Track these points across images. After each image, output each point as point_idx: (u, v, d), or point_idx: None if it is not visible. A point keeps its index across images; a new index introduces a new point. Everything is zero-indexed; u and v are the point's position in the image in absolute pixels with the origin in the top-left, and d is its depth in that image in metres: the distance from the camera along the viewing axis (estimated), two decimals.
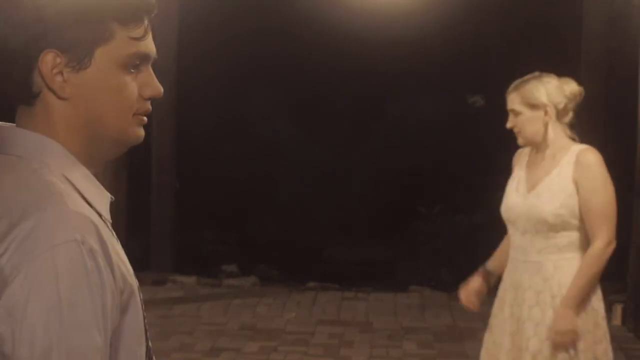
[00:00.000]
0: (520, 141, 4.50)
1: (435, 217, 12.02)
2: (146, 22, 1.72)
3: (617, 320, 8.17)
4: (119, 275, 1.64)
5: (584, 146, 4.41)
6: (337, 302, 8.91)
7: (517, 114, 4.43)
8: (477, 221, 10.92)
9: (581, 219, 4.33)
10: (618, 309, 8.21)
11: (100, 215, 1.70)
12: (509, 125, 4.48)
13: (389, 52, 11.84)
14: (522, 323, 4.41)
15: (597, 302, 4.40)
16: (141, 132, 1.75)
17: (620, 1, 9.02)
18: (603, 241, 4.30)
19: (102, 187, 1.74)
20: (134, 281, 1.70)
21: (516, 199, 4.47)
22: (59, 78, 1.67)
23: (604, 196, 4.33)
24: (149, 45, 1.73)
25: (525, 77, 4.45)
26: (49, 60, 1.65)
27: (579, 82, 4.57)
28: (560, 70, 4.60)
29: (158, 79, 1.78)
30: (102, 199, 1.73)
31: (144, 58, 1.72)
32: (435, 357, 7.25)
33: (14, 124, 1.73)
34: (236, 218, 12.04)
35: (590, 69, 8.73)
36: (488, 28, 12.14)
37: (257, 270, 10.32)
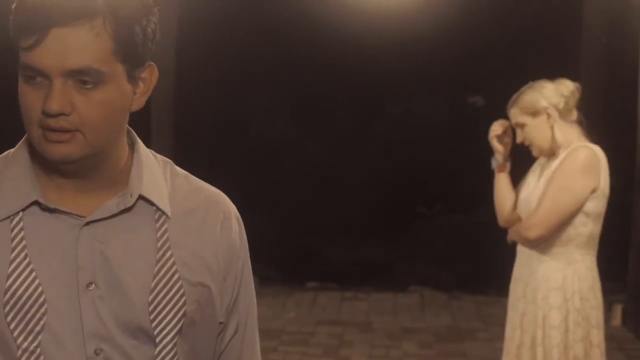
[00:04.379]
0: (534, 153, 4.49)
1: (435, 217, 12.01)
2: (38, 35, 1.63)
3: (617, 320, 8.17)
4: None
5: (582, 144, 4.37)
6: (336, 302, 8.91)
7: (522, 126, 4.43)
8: (477, 221, 10.91)
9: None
10: (618, 309, 8.21)
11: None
12: (518, 140, 4.49)
13: (389, 52, 11.84)
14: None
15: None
16: (48, 146, 1.68)
17: (620, 1, 9.01)
18: (530, 232, 4.31)
19: (27, 189, 1.74)
20: None
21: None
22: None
23: (557, 189, 4.29)
24: (38, 60, 1.65)
25: (521, 90, 4.46)
26: None
27: (579, 82, 4.57)
28: (560, 70, 4.61)
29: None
30: (18, 198, 1.73)
31: (33, 70, 1.66)
32: (435, 357, 7.24)
33: None
34: None
35: (590, 69, 8.72)
36: (488, 28, 12.13)
37: (257, 270, 10.27)
